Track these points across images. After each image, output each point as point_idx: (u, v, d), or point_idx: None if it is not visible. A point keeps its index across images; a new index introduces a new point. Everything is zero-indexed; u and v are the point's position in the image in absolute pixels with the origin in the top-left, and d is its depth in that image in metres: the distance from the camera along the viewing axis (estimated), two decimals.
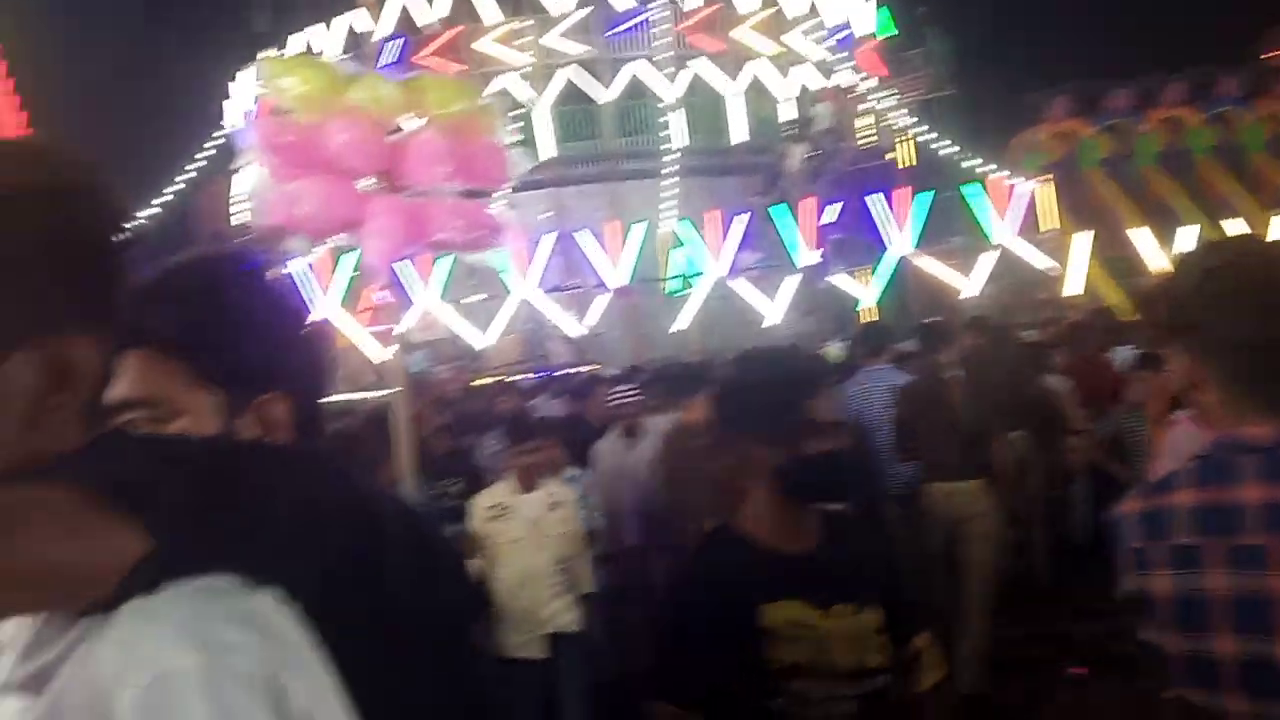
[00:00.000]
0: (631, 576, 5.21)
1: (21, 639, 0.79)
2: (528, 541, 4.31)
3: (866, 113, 23.13)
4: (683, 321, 15.97)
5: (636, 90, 21.17)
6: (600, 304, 16.56)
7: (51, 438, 0.79)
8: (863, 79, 21.75)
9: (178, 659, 0.70)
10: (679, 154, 20.19)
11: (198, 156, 22.09)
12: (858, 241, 17.00)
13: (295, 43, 20.91)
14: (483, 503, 4.45)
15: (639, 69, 20.94)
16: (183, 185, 22.15)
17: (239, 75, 21.31)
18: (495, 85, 18.81)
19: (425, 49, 20.11)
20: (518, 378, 12.63)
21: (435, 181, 3.59)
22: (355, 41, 20.76)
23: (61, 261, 0.80)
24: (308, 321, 1.34)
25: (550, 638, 4.36)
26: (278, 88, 3.45)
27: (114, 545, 0.71)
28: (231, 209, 20.75)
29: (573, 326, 16.67)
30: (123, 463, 0.78)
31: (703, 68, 21.02)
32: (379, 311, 14.07)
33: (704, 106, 21.35)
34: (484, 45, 20.65)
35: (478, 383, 12.63)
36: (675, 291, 17.00)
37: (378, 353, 13.79)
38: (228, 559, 0.76)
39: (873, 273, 16.53)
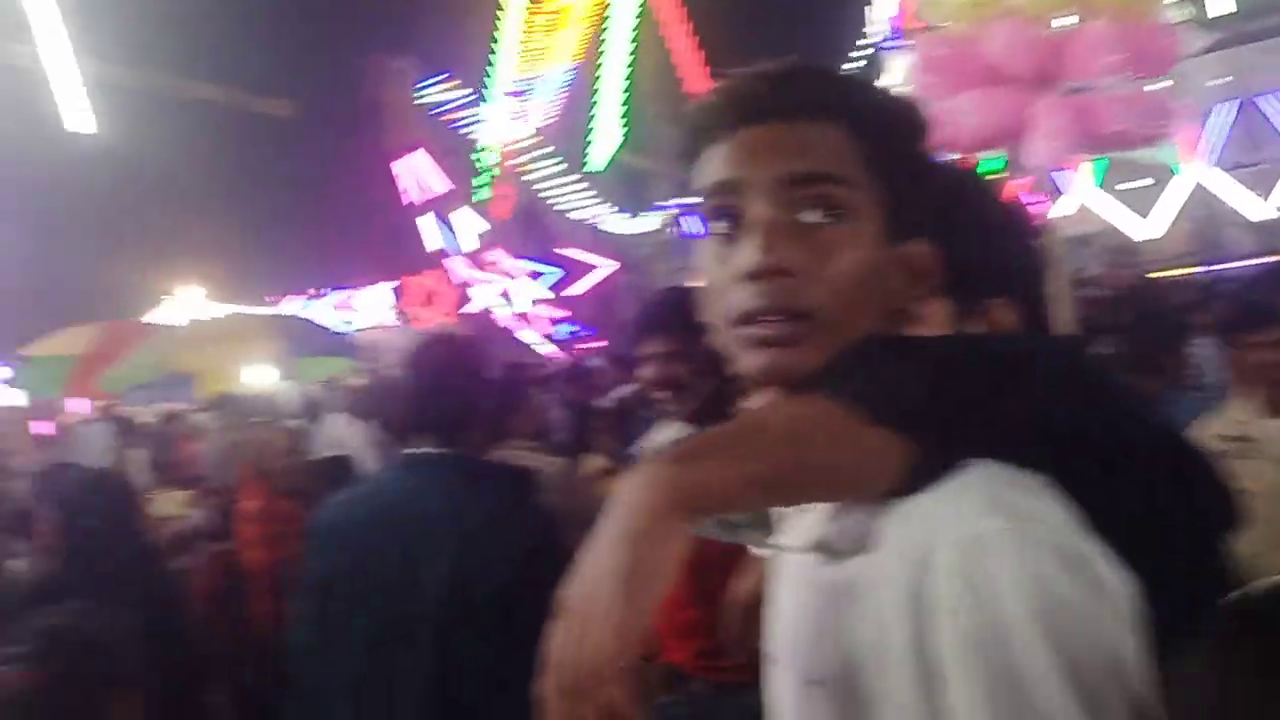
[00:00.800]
0: None
1: (821, 509, 0.94)
2: None
3: None
4: None
5: None
6: None
7: (891, 328, 0.93)
8: None
9: (988, 522, 0.79)
10: None
11: (844, 68, 22.82)
12: None
13: None
14: (1212, 430, 2.96)
15: None
16: None
17: None
18: None
19: None
20: (1188, 272, 11.31)
21: (1103, 74, 3.32)
22: None
23: (924, 178, 0.95)
24: (1032, 227, 1.36)
25: None
26: (937, 2, 3.45)
27: (878, 449, 0.82)
28: None
29: (1258, 209, 14.37)
30: (886, 376, 0.86)
31: None
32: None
33: None
34: None
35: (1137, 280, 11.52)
36: None
37: None
38: (986, 448, 0.84)
39: None
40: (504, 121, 23.85)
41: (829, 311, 0.88)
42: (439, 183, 24.53)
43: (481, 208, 24.13)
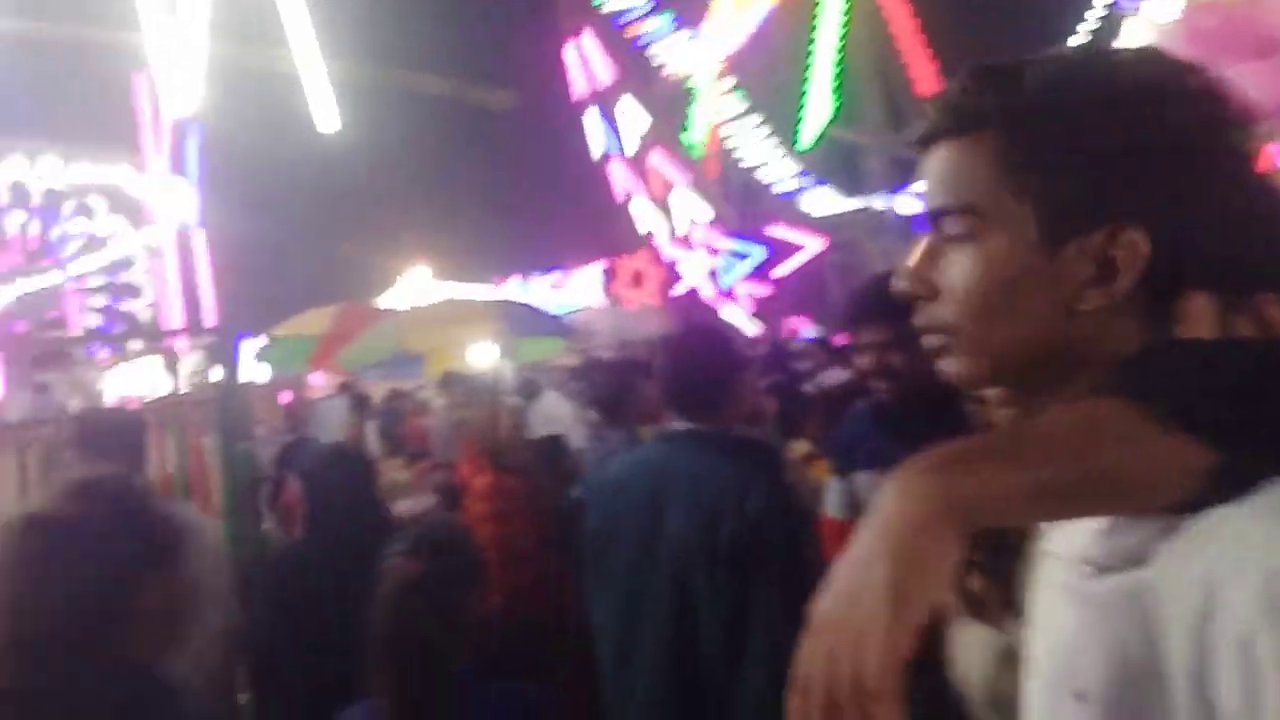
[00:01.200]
0: None
1: (1092, 523, 0.87)
2: None
3: None
4: None
5: None
6: None
7: (1086, 329, 0.87)
8: None
9: None
10: None
11: (1078, 29, 21.46)
12: None
13: None
14: None
15: None
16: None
17: None
18: None
19: None
20: None
21: None
22: None
23: (1145, 155, 0.85)
24: None
25: None
26: None
27: (1175, 458, 0.76)
28: None
29: None
30: (1170, 375, 0.81)
31: None
32: None
33: None
34: None
35: None
36: None
37: None
38: None
39: None
40: (711, 63, 22.86)
41: (960, 325, 0.91)
42: (606, 70, 23.72)
43: (695, 168, 23.53)
